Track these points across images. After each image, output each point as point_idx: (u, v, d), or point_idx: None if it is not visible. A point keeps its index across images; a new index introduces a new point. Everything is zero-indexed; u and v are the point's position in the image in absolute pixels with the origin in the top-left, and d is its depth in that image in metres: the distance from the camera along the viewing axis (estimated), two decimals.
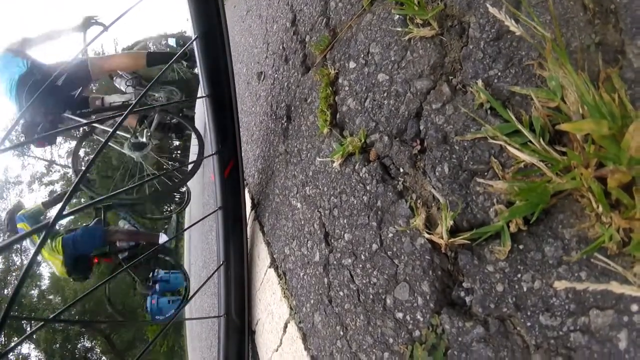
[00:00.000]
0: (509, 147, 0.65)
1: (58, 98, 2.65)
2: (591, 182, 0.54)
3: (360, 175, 1.05)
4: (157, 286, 12.30)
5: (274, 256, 1.52)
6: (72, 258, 3.63)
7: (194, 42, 1.33)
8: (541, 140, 0.61)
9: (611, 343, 0.52)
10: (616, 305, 0.53)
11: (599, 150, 0.53)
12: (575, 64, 0.61)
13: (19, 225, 3.66)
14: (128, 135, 2.75)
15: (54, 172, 24.44)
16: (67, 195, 0.79)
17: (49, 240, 3.47)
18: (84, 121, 2.73)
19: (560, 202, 0.61)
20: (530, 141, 0.62)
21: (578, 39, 0.63)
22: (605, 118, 0.52)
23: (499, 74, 0.74)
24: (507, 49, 0.73)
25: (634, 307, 0.51)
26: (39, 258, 3.75)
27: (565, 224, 0.60)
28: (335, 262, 1.08)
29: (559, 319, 0.58)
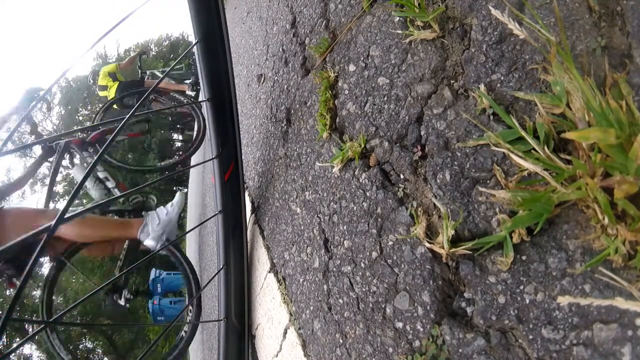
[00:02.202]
0: (512, 155, 0.63)
1: None
2: (597, 192, 0.52)
3: (360, 181, 1.03)
4: (159, 287, 12.33)
5: (274, 261, 1.51)
6: None
7: (195, 46, 1.31)
8: (545, 148, 0.59)
9: (614, 357, 0.51)
10: (620, 319, 0.51)
11: (605, 160, 0.51)
12: (580, 68, 0.59)
13: None
14: None
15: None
16: (72, 193, 0.78)
17: None
18: None
19: (564, 213, 0.59)
20: (534, 149, 0.60)
21: (584, 42, 0.62)
22: (612, 126, 0.50)
23: (502, 78, 0.72)
24: (510, 53, 0.72)
25: (639, 322, 0.49)
26: None
27: (570, 235, 0.58)
28: (334, 269, 1.07)
29: (562, 332, 0.56)
